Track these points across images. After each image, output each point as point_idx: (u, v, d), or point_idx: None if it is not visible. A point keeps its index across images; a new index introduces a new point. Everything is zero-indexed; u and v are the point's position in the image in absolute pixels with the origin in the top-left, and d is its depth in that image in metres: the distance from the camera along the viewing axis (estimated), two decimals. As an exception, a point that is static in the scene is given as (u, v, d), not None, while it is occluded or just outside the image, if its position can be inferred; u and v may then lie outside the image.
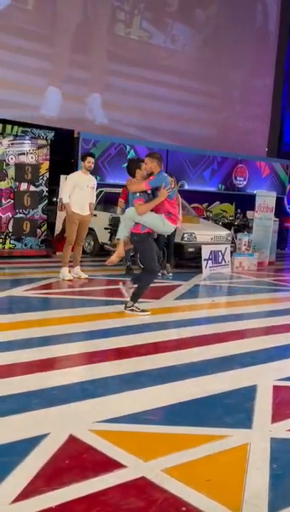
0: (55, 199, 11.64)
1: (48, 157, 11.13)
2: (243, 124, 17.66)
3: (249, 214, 13.18)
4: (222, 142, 16.61)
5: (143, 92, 15.18)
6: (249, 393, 3.77)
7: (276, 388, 3.90)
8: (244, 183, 16.46)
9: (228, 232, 11.26)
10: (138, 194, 5.85)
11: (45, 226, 11.26)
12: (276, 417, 3.37)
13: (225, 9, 16.97)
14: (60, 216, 10.92)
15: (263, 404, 3.56)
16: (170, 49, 16.07)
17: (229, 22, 16.96)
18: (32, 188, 10.97)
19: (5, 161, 10.57)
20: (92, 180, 8.43)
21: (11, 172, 10.66)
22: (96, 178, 8.87)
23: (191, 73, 16.15)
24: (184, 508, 2.33)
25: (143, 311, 6.05)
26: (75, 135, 13.10)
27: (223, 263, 10.41)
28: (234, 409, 3.48)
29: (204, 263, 9.87)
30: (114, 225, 10.47)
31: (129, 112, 15.00)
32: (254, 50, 17.61)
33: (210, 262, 10.02)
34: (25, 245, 10.95)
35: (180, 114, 15.84)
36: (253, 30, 17.78)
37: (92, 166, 8.33)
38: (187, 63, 16.22)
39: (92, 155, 8.50)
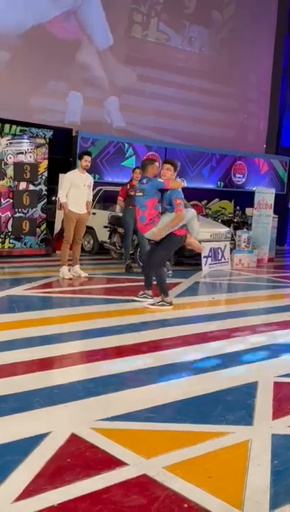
0: (53, 198, 11.64)
1: (47, 156, 11.12)
2: (241, 120, 17.69)
3: (248, 211, 13.16)
4: (222, 139, 16.67)
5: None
6: (249, 390, 3.78)
7: (276, 385, 3.91)
8: (243, 180, 16.45)
9: (227, 229, 11.26)
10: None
11: (45, 225, 11.26)
12: (277, 413, 3.38)
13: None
14: (59, 215, 10.92)
15: (264, 401, 3.57)
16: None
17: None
18: (31, 187, 10.96)
19: (3, 160, 10.56)
20: (89, 179, 8.44)
21: (10, 171, 10.65)
22: (94, 177, 8.87)
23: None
24: (186, 505, 2.34)
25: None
26: (73, 133, 13.08)
27: (223, 260, 10.42)
28: (235, 406, 3.49)
29: (203, 260, 9.88)
30: (113, 224, 10.48)
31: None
32: (252, 47, 17.60)
33: (209, 259, 10.03)
34: (25, 244, 10.96)
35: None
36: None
37: (89, 164, 8.34)
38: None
39: (88, 154, 8.51)
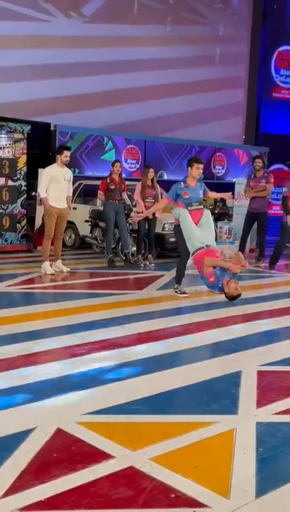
0: (33, 193, 11.54)
1: (25, 151, 11.01)
2: (219, 112, 17.71)
3: (228, 202, 13.20)
4: (200, 131, 16.66)
5: (118, 84, 15.10)
6: (234, 379, 3.81)
7: (260, 373, 3.95)
8: (223, 171, 16.50)
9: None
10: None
11: (25, 221, 11.17)
12: (261, 401, 3.42)
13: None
14: (40, 210, 10.84)
15: (248, 390, 3.61)
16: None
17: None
18: (10, 183, 10.85)
19: (-19, 156, 10.45)
20: (68, 173, 8.39)
21: (-12, 167, 10.53)
22: (74, 171, 8.82)
23: (168, 62, 16.12)
24: (173, 495, 2.35)
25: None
26: (52, 128, 12.98)
27: (204, 252, 10.42)
28: (219, 395, 3.52)
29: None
30: (94, 218, 10.44)
31: (104, 104, 14.93)
32: (229, 37, 17.61)
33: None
34: (6, 241, 10.86)
35: (156, 104, 15.82)
36: (228, 17, 17.85)
37: (68, 159, 8.29)
38: (161, 51, 16.19)
39: (68, 148, 8.45)
